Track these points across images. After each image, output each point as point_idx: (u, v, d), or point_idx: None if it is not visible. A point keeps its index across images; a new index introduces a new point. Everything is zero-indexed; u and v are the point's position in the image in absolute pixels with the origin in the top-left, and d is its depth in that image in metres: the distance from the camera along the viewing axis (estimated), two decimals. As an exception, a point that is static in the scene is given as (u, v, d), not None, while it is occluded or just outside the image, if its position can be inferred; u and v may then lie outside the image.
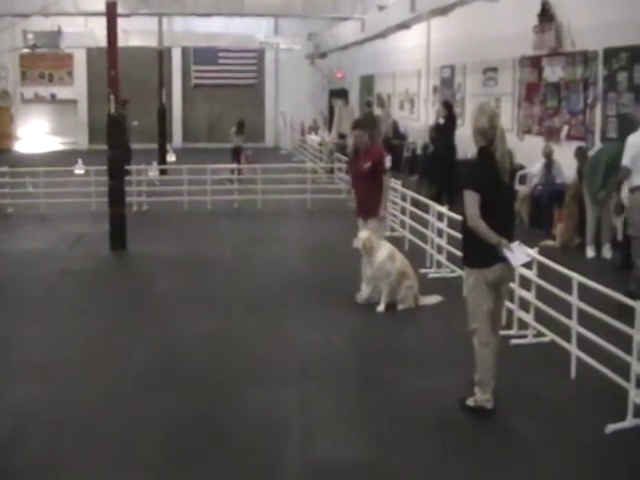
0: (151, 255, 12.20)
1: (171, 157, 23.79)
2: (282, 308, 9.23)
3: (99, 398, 6.61)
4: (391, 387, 6.86)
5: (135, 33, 25.45)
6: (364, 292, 9.29)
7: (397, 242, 10.93)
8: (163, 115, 23.31)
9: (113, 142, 12.63)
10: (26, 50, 31.30)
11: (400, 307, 9.04)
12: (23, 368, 7.40)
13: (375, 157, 9.23)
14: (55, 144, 32.34)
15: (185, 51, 33.56)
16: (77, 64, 33.50)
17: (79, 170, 19.36)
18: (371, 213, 9.21)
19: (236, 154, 20.77)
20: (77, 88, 33.54)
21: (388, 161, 9.34)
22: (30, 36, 31.09)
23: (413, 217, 12.16)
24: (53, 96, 33.56)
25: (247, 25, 29.17)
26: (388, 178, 9.42)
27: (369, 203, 9.18)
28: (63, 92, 33.53)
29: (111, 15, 12.72)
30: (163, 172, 19.86)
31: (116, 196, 12.50)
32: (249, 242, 13.17)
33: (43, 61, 33.07)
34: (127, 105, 18.47)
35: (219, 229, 14.50)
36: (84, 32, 28.17)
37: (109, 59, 12.63)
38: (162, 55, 24.41)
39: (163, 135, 23.01)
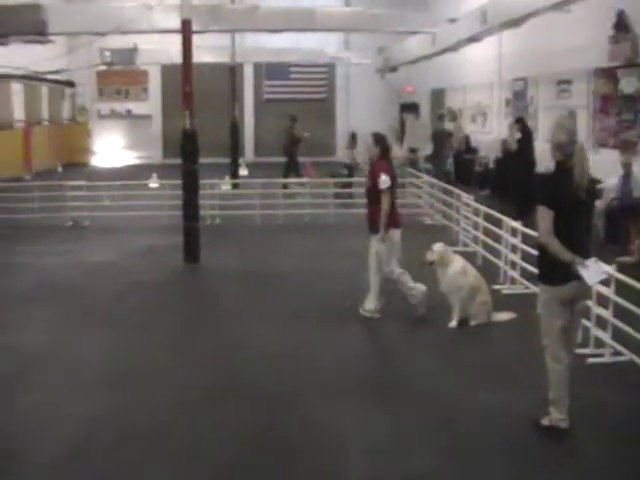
0: (223, 268, 12.35)
1: (243, 171, 24.05)
2: (349, 322, 9.21)
3: (166, 409, 6.70)
4: (461, 403, 6.77)
5: (207, 49, 25.82)
6: (370, 304, 9.22)
7: (469, 257, 10.81)
8: (235, 129, 23.62)
9: (188, 156, 12.81)
10: (103, 67, 32.09)
11: (473, 323, 8.94)
12: (93, 377, 7.57)
13: (376, 174, 9.09)
14: (130, 158, 33.02)
15: (257, 66, 33.94)
16: (152, 80, 34.21)
17: (153, 184, 19.72)
18: (372, 229, 9.15)
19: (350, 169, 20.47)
20: (151, 103, 34.24)
21: (385, 182, 8.92)
22: (107, 53, 31.84)
23: (486, 232, 12.04)
24: (128, 111, 34.34)
25: (317, 40, 29.35)
26: (387, 197, 8.99)
27: (371, 218, 9.16)
28: (138, 108, 34.27)
29: (186, 32, 12.92)
30: (235, 186, 20.09)
31: (190, 209, 12.70)
32: (319, 256, 13.18)
33: (119, 77, 33.86)
34: (296, 122, 19.64)
35: (290, 243, 14.55)
36: (159, 49, 28.67)
37: (184, 75, 12.83)
38: (234, 70, 24.74)
39: (235, 149, 23.32)
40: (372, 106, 32.27)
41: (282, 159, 21.82)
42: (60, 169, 30.68)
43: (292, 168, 21.17)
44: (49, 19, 21.08)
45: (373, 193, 9.08)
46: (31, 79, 29.92)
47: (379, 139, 9.27)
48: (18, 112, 29.43)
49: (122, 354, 8.28)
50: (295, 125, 21.63)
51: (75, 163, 32.26)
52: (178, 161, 13.23)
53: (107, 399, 6.94)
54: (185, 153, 12.85)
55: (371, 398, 6.91)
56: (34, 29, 21.14)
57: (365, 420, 6.45)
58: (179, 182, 13.21)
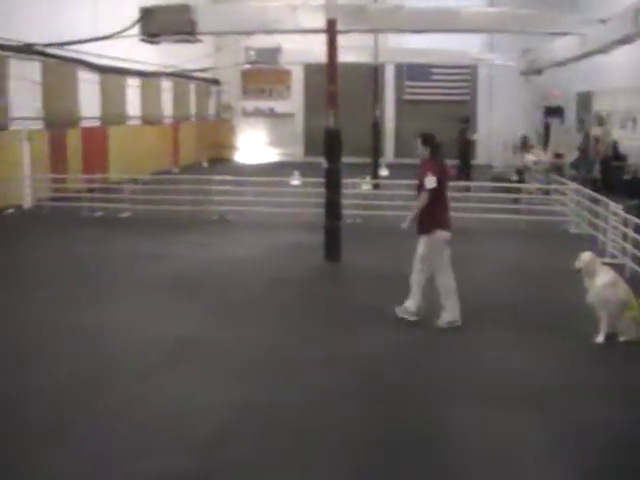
0: (363, 268, 12.43)
1: (383, 171, 24.07)
2: (478, 330, 9.05)
3: (302, 404, 6.82)
4: (605, 422, 6.52)
5: (349, 49, 25.99)
6: (412, 305, 9.13)
7: (617, 270, 10.44)
8: (377, 130, 23.68)
9: (331, 155, 12.94)
10: (247, 66, 32.88)
11: (622, 338, 8.57)
12: (239, 368, 7.79)
13: (424, 173, 9.00)
14: (272, 155, 33.70)
15: (398, 67, 33.92)
16: (295, 79, 34.80)
17: (295, 181, 20.05)
18: (420, 230, 9.09)
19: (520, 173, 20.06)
20: (294, 102, 34.84)
21: (430, 182, 8.87)
22: (252, 53, 32.63)
23: (635, 244, 11.63)
24: (271, 110, 35.04)
25: (460, 41, 29.03)
26: (424, 197, 8.95)
27: (419, 218, 9.05)
28: (281, 106, 34.94)
29: (331, 32, 13.07)
30: (376, 186, 20.15)
31: (332, 208, 12.85)
32: (465, 261, 12.99)
33: (263, 76, 34.64)
34: (468, 123, 19.67)
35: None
36: (302, 48, 29.10)
37: (328, 75, 12.97)
38: (377, 71, 24.81)
39: (376, 149, 23.36)
40: (515, 109, 31.73)
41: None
42: (205, 164, 31.71)
43: (466, 171, 20.94)
44: (198, 19, 21.78)
45: (418, 192, 9.06)
46: (180, 77, 30.98)
47: (428, 139, 9.17)
48: (167, 109, 30.55)
49: (265, 348, 8.47)
50: (468, 127, 21.38)
51: (219, 159, 33.28)
52: (319, 159, 13.39)
53: (252, 390, 7.14)
54: (328, 152, 13.00)
55: (514, 410, 6.80)
56: (184, 29, 21.88)
57: (508, 432, 6.37)
58: (321, 180, 13.37)
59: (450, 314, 9.07)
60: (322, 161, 12.99)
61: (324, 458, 5.84)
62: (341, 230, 12.85)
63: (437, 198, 8.99)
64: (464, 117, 21.80)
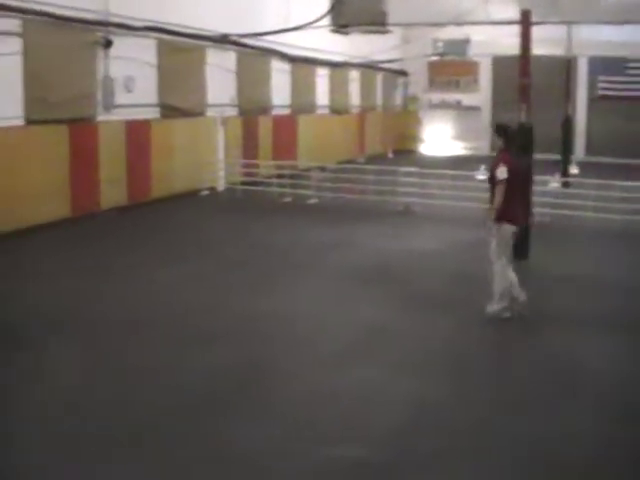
0: (551, 268, 12.11)
1: (573, 170, 23.28)
2: None
3: (485, 403, 6.75)
4: None
5: (540, 41, 25.33)
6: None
7: None
8: (568, 126, 22.95)
9: (522, 151, 12.63)
10: (435, 57, 32.76)
11: None
12: (417, 360, 7.85)
13: (495, 166, 8.97)
14: (457, 149, 33.43)
15: (591, 60, 32.68)
16: (482, 72, 34.28)
17: (481, 176, 19.78)
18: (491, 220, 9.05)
19: None
20: (481, 95, 34.32)
21: (501, 172, 8.82)
22: (439, 44, 32.54)
23: None
24: (458, 102, 34.71)
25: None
26: (501, 188, 8.86)
27: (495, 210, 8.97)
28: (468, 99, 34.53)
29: (525, 23, 12.80)
30: (566, 184, 19.55)
31: (521, 205, 12.56)
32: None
33: (450, 68, 34.36)
34: None
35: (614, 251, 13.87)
36: (490, 40, 28.68)
37: (521, 67, 12.73)
38: (569, 64, 24.05)
39: (567, 146, 22.64)
40: None
41: (617, 160, 20.76)
42: (390, 155, 31.92)
43: None
44: (389, 10, 21.94)
45: (493, 185, 9.00)
46: (367, 67, 31.28)
47: (503, 130, 9.18)
48: (354, 99, 30.94)
49: (449, 343, 8.48)
50: None
51: (404, 150, 33.37)
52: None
53: (434, 383, 7.17)
54: (519, 147, 12.71)
55: None
56: (375, 20, 22.11)
57: None
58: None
59: (498, 305, 9.14)
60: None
61: (507, 460, 5.76)
62: (530, 228, 12.56)
63: (508, 189, 8.89)
64: None
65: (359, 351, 8.08)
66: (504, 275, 9.17)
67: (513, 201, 9.01)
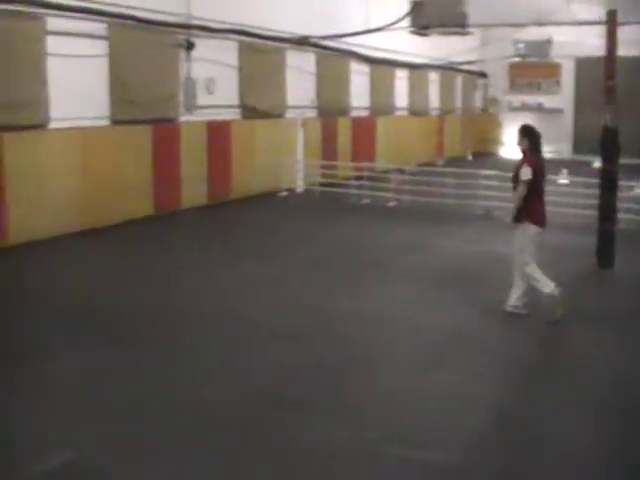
0: (638, 278, 11.73)
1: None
2: None
3: (569, 417, 6.61)
4: None
5: (623, 42, 24.76)
6: (514, 299, 9.28)
7: None
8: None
9: (607, 155, 12.36)
10: (515, 59, 32.32)
11: None
12: (500, 366, 7.69)
13: (519, 167, 9.11)
14: (537, 152, 32.92)
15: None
16: (565, 73, 33.66)
17: (563, 180, 19.41)
18: (515, 219, 9.16)
19: None
20: (563, 97, 33.69)
21: (525, 173, 8.96)
22: (520, 45, 32.08)
23: None
24: (539, 105, 34.14)
25: None
26: (521, 188, 9.02)
27: (516, 209, 9.11)
28: (549, 101, 33.93)
29: (611, 23, 12.50)
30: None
31: (606, 211, 12.23)
32: None
33: (531, 70, 33.85)
34: None
35: None
36: (573, 41, 28.18)
37: (606, 69, 12.42)
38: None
39: (654, 151, 22.06)
40: None
41: None
42: (470, 157, 31.60)
43: None
44: (469, 11, 21.71)
45: (516, 184, 9.13)
46: (447, 69, 31.05)
47: (527, 131, 9.32)
48: (433, 101, 30.74)
49: (533, 351, 8.33)
50: None
51: (484, 153, 33.03)
52: (588, 158, 12.85)
53: (516, 391, 7.05)
54: (604, 151, 12.41)
55: None
56: (455, 21, 21.92)
57: None
58: (590, 180, 12.81)
59: (515, 299, 9.29)
60: (593, 160, 12.46)
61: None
62: (615, 235, 12.24)
63: (533, 191, 9.04)
64: None
65: (439, 354, 8.00)
66: (531, 275, 9.20)
67: (538, 202, 9.20)
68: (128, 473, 5.41)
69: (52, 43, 13.84)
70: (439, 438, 6.00)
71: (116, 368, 7.44)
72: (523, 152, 9.25)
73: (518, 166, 9.16)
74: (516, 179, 9.15)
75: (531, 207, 9.07)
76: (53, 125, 14.01)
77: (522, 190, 9.00)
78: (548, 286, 9.10)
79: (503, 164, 26.06)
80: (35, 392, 6.85)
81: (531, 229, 9.12)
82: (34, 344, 8.14)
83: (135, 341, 8.29)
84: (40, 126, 13.78)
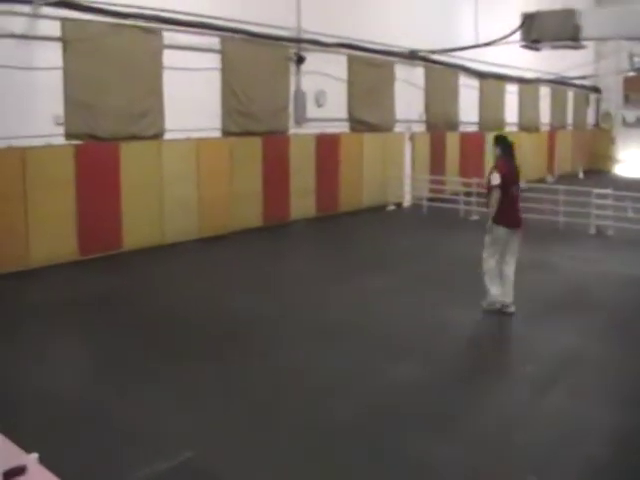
0: None
1: None
2: None
3: None
4: None
5: None
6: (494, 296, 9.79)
7: None
8: None
9: None
10: (631, 73, 31.33)
11: None
12: (614, 390, 7.37)
13: (490, 173, 9.73)
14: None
15: None
16: (683, 88, 32.47)
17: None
18: (493, 221, 9.66)
19: None
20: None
21: (494, 179, 9.51)
22: (636, 59, 31.08)
23: None
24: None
25: None
26: (492, 194, 9.56)
27: (493, 212, 9.61)
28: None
29: None
30: None
31: None
32: None
33: (647, 84, 32.76)
34: None
35: None
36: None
37: None
38: None
39: None
40: None
41: None
42: (581, 175, 30.77)
43: None
44: (583, 24, 21.13)
45: (488, 190, 9.67)
46: (558, 84, 30.36)
47: (498, 140, 9.94)
48: (544, 116, 30.10)
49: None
50: None
51: (596, 170, 32.12)
52: None
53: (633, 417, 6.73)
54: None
55: None
56: (568, 34, 21.35)
57: None
58: None
59: (491, 298, 9.85)
60: None
61: None
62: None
63: (503, 195, 9.50)
64: None
65: (560, 379, 7.70)
66: (488, 270, 9.84)
67: (509, 206, 9.62)
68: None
69: (168, 57, 14.17)
70: (554, 463, 5.76)
71: (246, 374, 7.51)
72: (495, 159, 9.87)
73: (490, 173, 9.75)
74: (488, 185, 9.70)
75: (502, 210, 9.57)
76: (167, 136, 14.32)
77: (495, 194, 9.52)
78: (495, 288, 9.79)
79: (617, 182, 25.27)
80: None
81: (502, 230, 9.65)
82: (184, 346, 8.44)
83: (261, 350, 8.36)
84: (156, 137, 14.11)
